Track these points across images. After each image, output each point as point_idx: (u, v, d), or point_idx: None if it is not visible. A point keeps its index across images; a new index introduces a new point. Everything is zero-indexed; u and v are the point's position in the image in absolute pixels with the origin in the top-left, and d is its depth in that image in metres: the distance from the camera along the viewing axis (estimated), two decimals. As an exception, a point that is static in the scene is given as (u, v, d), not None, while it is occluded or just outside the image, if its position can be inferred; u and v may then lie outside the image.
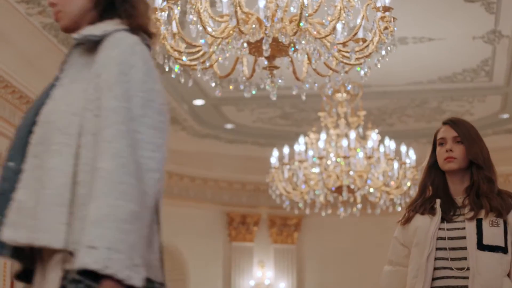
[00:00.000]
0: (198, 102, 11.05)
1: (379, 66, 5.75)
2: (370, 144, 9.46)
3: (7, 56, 8.69)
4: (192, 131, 12.21)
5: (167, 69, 5.71)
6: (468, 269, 3.55)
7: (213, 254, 13.29)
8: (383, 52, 5.62)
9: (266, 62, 5.87)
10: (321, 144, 9.42)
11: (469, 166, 3.79)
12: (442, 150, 3.79)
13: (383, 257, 13.62)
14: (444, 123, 3.87)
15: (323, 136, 9.49)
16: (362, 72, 5.68)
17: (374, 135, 9.57)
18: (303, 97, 6.37)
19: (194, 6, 5.50)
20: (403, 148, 9.77)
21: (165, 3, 5.54)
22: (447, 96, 10.96)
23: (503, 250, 3.61)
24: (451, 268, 3.59)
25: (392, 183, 9.56)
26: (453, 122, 3.84)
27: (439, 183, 3.81)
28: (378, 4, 5.50)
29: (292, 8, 5.62)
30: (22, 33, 8.59)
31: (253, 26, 5.55)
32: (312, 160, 9.41)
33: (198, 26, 5.51)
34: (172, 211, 12.69)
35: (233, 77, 6.11)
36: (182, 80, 5.85)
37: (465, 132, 3.81)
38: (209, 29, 5.56)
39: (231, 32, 5.61)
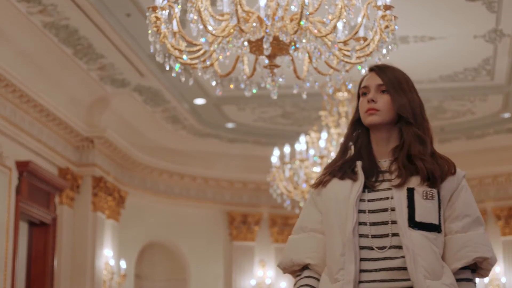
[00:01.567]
0: (199, 101, 11.05)
1: (380, 65, 5.73)
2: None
3: (7, 55, 8.69)
4: (193, 130, 12.20)
5: (167, 68, 5.70)
6: (390, 248, 2.89)
7: (214, 253, 13.28)
8: (384, 51, 5.61)
9: (266, 61, 5.86)
10: (322, 143, 9.42)
11: (398, 122, 3.04)
12: (364, 101, 3.06)
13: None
14: (370, 69, 3.16)
15: (324, 135, 9.48)
16: (363, 71, 5.67)
17: (375, 134, 9.55)
18: (304, 96, 6.36)
19: (194, 5, 5.49)
20: (404, 147, 9.74)
21: (165, 1, 5.53)
22: (448, 95, 10.95)
23: (437, 228, 2.93)
24: (371, 248, 2.91)
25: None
26: (379, 68, 3.14)
27: (363, 142, 3.09)
28: (379, 3, 5.49)
29: (292, 7, 5.61)
30: (23, 32, 8.58)
31: (254, 24, 5.54)
32: (313, 159, 9.41)
33: (199, 24, 5.50)
34: (173, 211, 12.68)
35: (233, 76, 6.10)
36: (183, 79, 5.84)
37: (392, 79, 3.09)
38: (210, 28, 5.55)
39: (231, 30, 5.60)
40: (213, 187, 13.40)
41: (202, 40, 5.60)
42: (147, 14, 5.59)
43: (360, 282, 2.90)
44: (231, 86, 6.22)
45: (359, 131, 3.11)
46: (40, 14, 8.30)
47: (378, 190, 2.98)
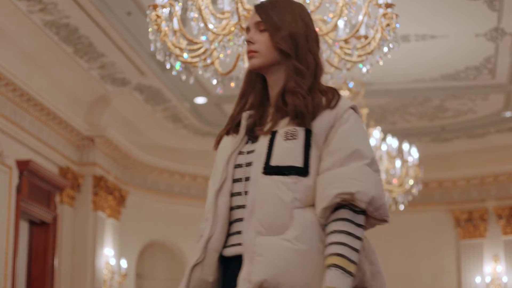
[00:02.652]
0: (200, 100, 11.03)
1: (381, 63, 5.73)
2: (372, 142, 9.44)
3: (8, 54, 8.67)
4: (193, 129, 12.18)
5: (168, 67, 5.69)
6: None
7: (215, 252, 13.25)
8: (385, 49, 5.60)
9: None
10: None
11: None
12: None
13: (385, 255, 13.57)
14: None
15: (325, 134, 9.45)
16: (364, 69, 5.66)
17: (376, 133, 9.55)
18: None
19: (195, 3, 5.48)
20: (406, 146, 9.74)
21: (166, 0, 5.52)
22: (450, 94, 10.93)
23: (300, 171, 2.53)
24: (244, 206, 2.58)
25: (395, 181, 9.53)
26: (260, 5, 2.74)
27: (257, 90, 2.74)
28: (380, 1, 5.48)
29: (293, 5, 5.59)
30: (23, 30, 8.57)
31: (255, 23, 5.52)
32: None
33: (200, 23, 5.49)
34: (174, 210, 12.66)
35: (234, 74, 6.09)
36: (184, 78, 5.82)
37: (271, 14, 2.68)
38: (211, 26, 5.53)
39: (232, 29, 5.58)
40: (213, 186, 13.38)
41: (203, 38, 5.59)
42: (148, 12, 5.57)
43: (225, 246, 2.64)
44: (232, 84, 6.20)
45: (255, 78, 2.75)
46: (41, 12, 8.29)
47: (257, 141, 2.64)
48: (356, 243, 2.46)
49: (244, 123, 2.68)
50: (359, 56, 5.61)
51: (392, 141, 9.61)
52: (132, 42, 9.08)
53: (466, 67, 10.02)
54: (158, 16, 5.50)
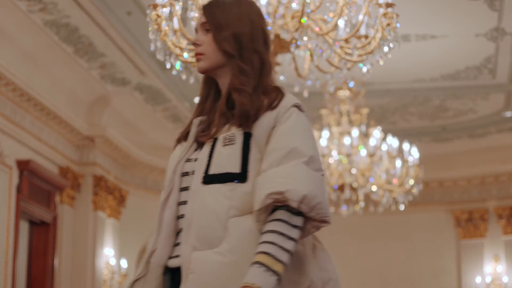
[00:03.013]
0: (200, 100, 11.02)
1: (381, 63, 5.72)
2: (372, 142, 9.43)
3: (8, 54, 8.67)
4: (194, 129, 12.17)
5: (168, 66, 5.68)
6: None
7: (215, 252, 13.25)
8: (386, 49, 5.59)
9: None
10: (323, 142, 9.39)
11: None
12: None
13: (386, 255, 13.59)
14: None
15: (325, 133, 9.46)
16: (364, 69, 5.65)
17: (376, 133, 9.54)
18: (305, 94, 6.34)
19: (195, 2, 5.47)
20: (406, 146, 9.74)
21: (166, -1, 5.51)
22: (450, 94, 10.92)
23: (237, 177, 2.42)
24: None
25: (395, 181, 9.53)
26: (207, 5, 2.62)
27: (210, 94, 2.64)
28: (381, 1, 5.47)
29: (294, 4, 5.59)
30: (23, 30, 8.56)
31: (255, 22, 5.51)
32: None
33: (200, 22, 5.47)
34: (174, 210, 12.65)
35: (234, 74, 6.06)
36: (184, 78, 5.81)
37: (216, 13, 2.56)
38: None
39: (232, 28, 5.57)
40: (214, 186, 13.37)
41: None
42: (148, 11, 5.57)
43: (171, 257, 2.53)
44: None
45: (211, 82, 2.65)
46: (41, 12, 8.28)
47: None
48: (287, 244, 2.33)
49: (194, 130, 2.58)
50: (360, 55, 5.61)
51: (393, 141, 9.61)
52: (132, 41, 9.07)
53: (466, 67, 10.01)
54: (158, 16, 5.49)
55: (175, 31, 5.60)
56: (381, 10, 5.48)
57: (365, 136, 9.70)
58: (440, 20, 8.70)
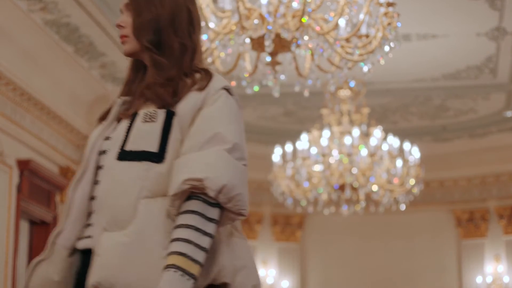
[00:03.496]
0: (201, 99, 11.02)
1: (382, 63, 5.71)
2: (373, 141, 9.42)
3: (8, 53, 8.66)
4: (194, 128, 12.17)
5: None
6: None
7: (215, 252, 13.24)
8: (387, 48, 5.59)
9: (268, 58, 5.83)
10: (324, 141, 9.38)
11: None
12: None
13: (387, 255, 13.58)
14: None
15: (326, 133, 9.45)
16: (365, 68, 5.64)
17: (377, 133, 9.53)
18: (306, 94, 6.33)
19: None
20: (407, 146, 9.73)
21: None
22: (451, 93, 10.91)
23: (153, 157, 2.30)
24: None
25: (396, 180, 9.52)
26: None
27: (142, 76, 2.53)
28: (381, 0, 5.46)
29: (294, 4, 5.58)
30: (23, 29, 8.56)
31: (256, 21, 5.51)
32: (315, 158, 9.37)
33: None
34: (175, 209, 12.65)
35: (235, 73, 6.07)
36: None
37: None
38: (211, 25, 5.51)
39: (233, 27, 5.57)
40: (214, 186, 13.36)
41: (204, 37, 5.57)
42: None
43: (81, 238, 2.42)
44: (233, 83, 6.19)
45: (138, 63, 2.55)
46: (41, 11, 8.27)
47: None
48: (203, 241, 2.22)
49: (116, 109, 2.47)
50: (360, 55, 5.60)
51: (393, 141, 9.60)
52: (133, 41, 9.06)
53: (467, 66, 10.00)
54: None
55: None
56: (382, 10, 5.48)
57: (365, 135, 9.69)
58: (441, 20, 8.69)
